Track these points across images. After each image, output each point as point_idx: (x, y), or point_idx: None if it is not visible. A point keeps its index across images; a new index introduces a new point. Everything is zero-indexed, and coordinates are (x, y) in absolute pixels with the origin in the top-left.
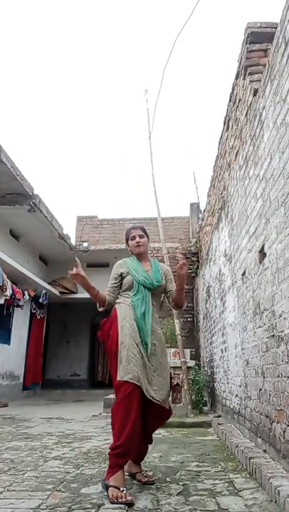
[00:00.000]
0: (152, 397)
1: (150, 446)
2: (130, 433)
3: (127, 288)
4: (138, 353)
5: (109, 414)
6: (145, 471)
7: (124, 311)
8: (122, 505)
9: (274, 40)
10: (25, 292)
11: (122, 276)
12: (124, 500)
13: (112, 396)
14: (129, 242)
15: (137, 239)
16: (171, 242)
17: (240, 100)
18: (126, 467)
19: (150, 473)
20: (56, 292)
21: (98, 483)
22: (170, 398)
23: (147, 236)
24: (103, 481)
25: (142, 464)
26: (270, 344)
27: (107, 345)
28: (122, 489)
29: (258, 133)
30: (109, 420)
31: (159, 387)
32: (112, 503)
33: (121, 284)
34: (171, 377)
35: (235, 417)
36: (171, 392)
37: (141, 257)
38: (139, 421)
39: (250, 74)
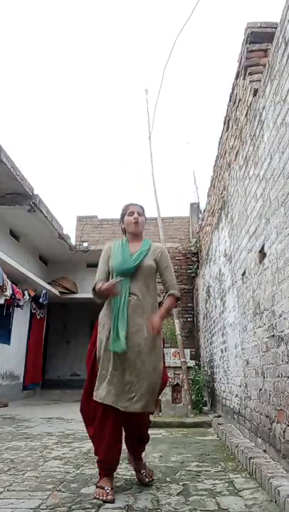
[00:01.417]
0: (133, 410)
1: (150, 446)
2: (106, 451)
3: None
4: (112, 367)
5: None
6: (144, 471)
7: (104, 312)
8: (122, 505)
9: (274, 40)
10: (25, 292)
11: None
12: (104, 498)
13: None
14: (126, 217)
15: (135, 215)
16: (171, 242)
17: (240, 100)
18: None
19: (150, 472)
20: (56, 292)
21: None
22: (170, 398)
23: (145, 217)
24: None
25: (143, 457)
26: (270, 344)
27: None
28: (106, 488)
29: (258, 133)
30: None
31: (142, 393)
32: (95, 498)
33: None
34: (170, 377)
35: (235, 417)
36: (171, 392)
37: (135, 237)
38: (114, 438)
39: (250, 74)
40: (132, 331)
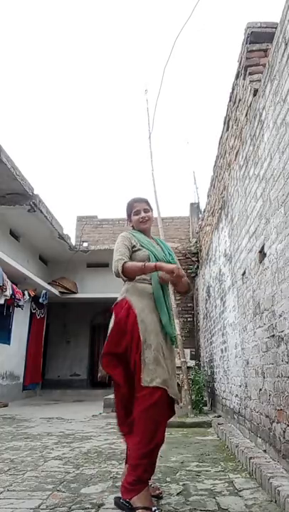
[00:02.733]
0: (174, 396)
1: None
2: (158, 443)
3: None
4: (162, 353)
5: (109, 414)
6: (153, 482)
7: (142, 300)
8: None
9: (274, 40)
10: (25, 292)
11: (132, 251)
12: None
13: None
14: (133, 217)
15: (142, 214)
16: (171, 242)
17: (240, 100)
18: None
19: (158, 485)
20: (56, 292)
21: (98, 483)
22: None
23: (152, 209)
24: (123, 502)
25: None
26: (270, 344)
27: (115, 333)
28: (154, 509)
29: (258, 133)
30: (110, 420)
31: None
32: None
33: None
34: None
35: (235, 417)
36: None
37: (145, 232)
38: (164, 431)
39: (250, 74)
40: None
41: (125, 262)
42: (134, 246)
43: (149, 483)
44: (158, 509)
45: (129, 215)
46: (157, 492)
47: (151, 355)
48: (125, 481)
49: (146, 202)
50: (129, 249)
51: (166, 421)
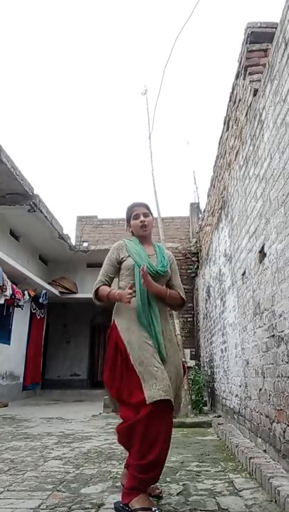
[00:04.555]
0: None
1: None
2: (158, 456)
3: (126, 275)
4: (156, 365)
5: (109, 414)
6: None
7: (127, 318)
8: None
9: (274, 40)
10: (25, 292)
11: (120, 263)
12: None
13: None
14: (132, 221)
15: (142, 218)
16: (171, 242)
17: (240, 100)
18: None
19: (157, 485)
20: (56, 292)
21: (98, 483)
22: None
23: (152, 214)
24: (122, 506)
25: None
26: (270, 344)
27: (110, 356)
28: (154, 509)
29: (258, 133)
30: (110, 420)
31: (177, 393)
32: None
33: (118, 271)
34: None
35: (235, 417)
36: None
37: (144, 239)
38: (169, 440)
39: (250, 74)
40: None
41: (98, 288)
42: (122, 258)
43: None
44: (158, 509)
45: (128, 220)
46: (157, 492)
47: (144, 369)
48: (125, 485)
49: (146, 206)
50: (114, 265)
51: (170, 430)
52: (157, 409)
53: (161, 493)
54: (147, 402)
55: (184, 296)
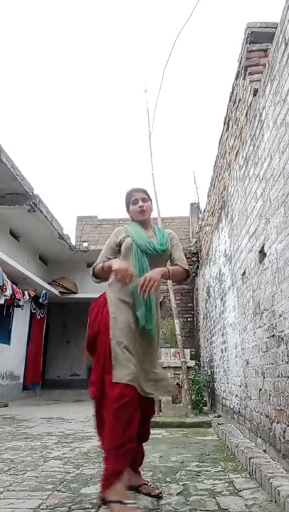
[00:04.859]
0: (150, 394)
1: (150, 447)
2: (130, 438)
3: (124, 255)
4: (134, 347)
5: None
6: (150, 483)
7: (118, 294)
8: None
9: (274, 40)
10: (25, 292)
11: (120, 245)
12: None
13: None
14: (131, 207)
15: (140, 203)
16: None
17: (240, 100)
18: (126, 481)
19: (157, 485)
20: (56, 292)
21: (98, 483)
22: (170, 398)
23: (150, 199)
24: (102, 499)
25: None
26: (270, 344)
27: (90, 336)
28: (126, 502)
29: (258, 133)
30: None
31: (162, 378)
32: None
33: (118, 253)
34: (171, 377)
35: (235, 417)
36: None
37: (144, 223)
38: (136, 427)
39: (250, 74)
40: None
41: (96, 266)
42: (121, 239)
43: (148, 483)
44: (134, 503)
45: (127, 205)
46: (157, 492)
47: (120, 351)
48: (102, 477)
49: (145, 191)
50: (113, 248)
51: (138, 418)
52: (123, 393)
53: (161, 493)
54: (113, 381)
55: (186, 267)
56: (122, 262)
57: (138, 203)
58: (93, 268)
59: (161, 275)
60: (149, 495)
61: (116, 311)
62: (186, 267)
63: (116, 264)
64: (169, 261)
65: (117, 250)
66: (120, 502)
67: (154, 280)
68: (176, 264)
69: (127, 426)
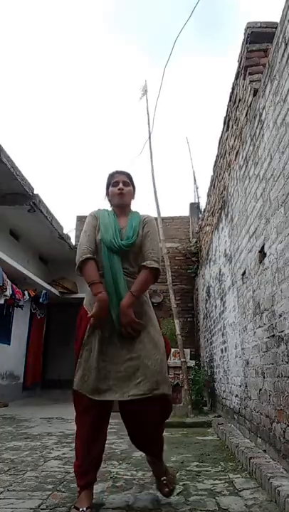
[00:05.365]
0: (133, 395)
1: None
2: (84, 454)
3: (98, 248)
4: (102, 352)
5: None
6: (165, 478)
7: (90, 293)
8: (122, 505)
9: (274, 40)
10: (25, 292)
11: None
12: None
13: None
14: (110, 188)
15: (120, 185)
16: (171, 242)
17: (240, 100)
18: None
19: (172, 479)
20: (56, 292)
21: (98, 483)
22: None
23: (134, 186)
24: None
25: (161, 464)
26: (270, 344)
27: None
28: (81, 509)
29: (258, 133)
30: (109, 420)
31: (145, 375)
32: None
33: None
34: (170, 377)
35: (235, 417)
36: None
37: (121, 210)
38: (93, 439)
39: (250, 74)
40: None
41: (86, 260)
42: (96, 226)
43: (162, 479)
44: (86, 509)
45: (107, 187)
46: (165, 490)
47: (86, 356)
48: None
49: (128, 175)
50: (92, 230)
51: (92, 434)
52: (87, 404)
53: (169, 491)
54: (73, 387)
55: (152, 265)
56: (104, 305)
57: (118, 185)
58: (79, 266)
59: (130, 308)
60: (160, 492)
61: (90, 308)
62: (153, 264)
63: (97, 308)
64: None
65: (94, 232)
66: (76, 508)
67: (128, 323)
68: (142, 265)
69: (86, 438)
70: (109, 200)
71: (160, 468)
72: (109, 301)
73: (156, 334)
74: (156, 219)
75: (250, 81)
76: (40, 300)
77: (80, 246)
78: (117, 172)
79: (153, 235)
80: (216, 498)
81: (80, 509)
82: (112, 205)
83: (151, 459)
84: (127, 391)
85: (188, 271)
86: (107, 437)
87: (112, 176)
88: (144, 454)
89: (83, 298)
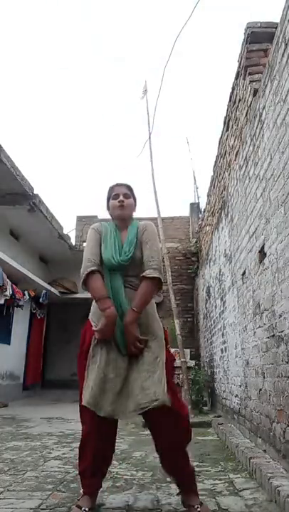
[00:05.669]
0: (134, 410)
1: (150, 447)
2: (88, 465)
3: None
4: (107, 365)
5: None
6: (198, 506)
7: (95, 306)
8: (122, 505)
9: (274, 40)
10: (25, 292)
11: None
12: None
13: None
14: (111, 201)
15: (121, 197)
16: (171, 242)
17: (240, 100)
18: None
19: (208, 507)
20: (56, 292)
21: None
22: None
23: (134, 198)
24: None
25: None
26: (270, 344)
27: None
28: (83, 509)
29: (258, 133)
30: None
31: (149, 387)
32: None
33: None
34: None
35: (235, 417)
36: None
37: (123, 223)
38: (101, 451)
39: (250, 74)
40: None
41: (91, 273)
42: (100, 241)
43: (195, 506)
44: (87, 509)
45: (108, 200)
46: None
47: (94, 372)
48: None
49: (129, 187)
50: (98, 241)
51: (110, 443)
52: (93, 416)
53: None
54: (82, 403)
55: (152, 271)
56: (111, 322)
57: (119, 197)
58: (84, 279)
59: (133, 325)
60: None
61: (95, 318)
62: (152, 274)
63: (104, 323)
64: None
65: (100, 244)
66: (78, 506)
67: (132, 342)
68: (142, 276)
69: (84, 449)
70: (110, 214)
71: (192, 495)
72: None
73: (156, 349)
74: (156, 219)
75: (250, 81)
76: (40, 300)
77: (84, 260)
78: (117, 185)
79: (152, 241)
80: (216, 498)
81: (82, 508)
82: (113, 218)
83: (180, 489)
84: (130, 405)
85: (189, 271)
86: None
87: (112, 188)
88: (144, 454)
89: (83, 298)
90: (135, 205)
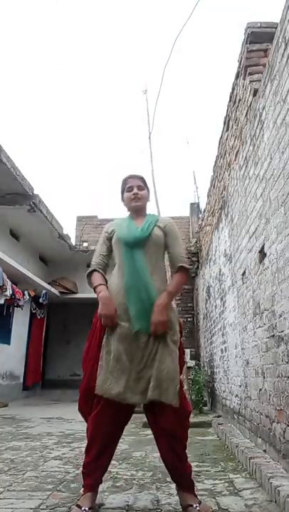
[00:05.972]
0: (147, 398)
1: (150, 447)
2: (97, 452)
3: (115, 253)
4: (125, 355)
5: None
6: (198, 505)
7: (111, 290)
8: (122, 505)
9: (274, 40)
10: (25, 292)
11: (111, 239)
12: None
13: None
14: (125, 194)
15: (135, 190)
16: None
17: (240, 100)
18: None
19: (207, 505)
20: (56, 292)
21: None
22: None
23: (148, 188)
24: None
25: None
26: (270, 344)
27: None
28: (83, 508)
29: (258, 133)
30: None
31: (160, 380)
32: None
33: (112, 251)
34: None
35: (235, 417)
36: None
37: (138, 213)
38: (109, 439)
39: (250, 74)
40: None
41: (94, 271)
42: (111, 234)
43: (194, 505)
44: (88, 509)
45: (122, 192)
46: None
47: (110, 363)
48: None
49: (142, 179)
50: (106, 243)
51: (117, 434)
52: (106, 404)
53: None
54: (95, 392)
55: (183, 264)
56: (106, 301)
57: (133, 190)
58: (89, 273)
59: (166, 307)
60: None
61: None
62: (185, 266)
63: (100, 306)
64: (166, 254)
65: (110, 246)
66: (78, 506)
67: (163, 323)
68: (175, 263)
69: (101, 441)
70: (125, 205)
71: (190, 495)
72: (127, 298)
73: (171, 344)
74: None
75: (250, 81)
76: (40, 300)
77: (93, 257)
78: (130, 177)
79: (179, 240)
80: (216, 498)
81: (83, 508)
82: (128, 209)
83: (178, 487)
84: (145, 394)
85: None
86: None
87: (125, 181)
88: (144, 454)
89: (83, 298)
90: (149, 195)
